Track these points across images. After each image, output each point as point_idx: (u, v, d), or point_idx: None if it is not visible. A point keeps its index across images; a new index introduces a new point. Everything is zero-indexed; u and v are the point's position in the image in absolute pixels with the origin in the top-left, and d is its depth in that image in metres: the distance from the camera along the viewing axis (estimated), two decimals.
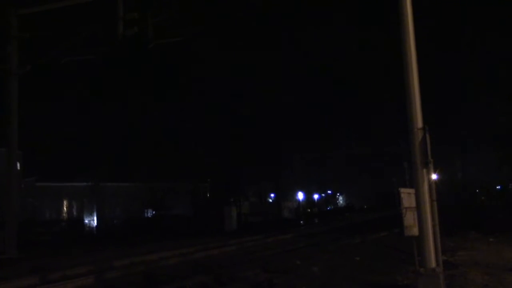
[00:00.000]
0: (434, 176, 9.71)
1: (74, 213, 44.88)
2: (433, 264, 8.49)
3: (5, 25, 19.24)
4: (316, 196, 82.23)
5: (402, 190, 10.32)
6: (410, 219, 10.27)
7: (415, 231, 9.77)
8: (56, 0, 19.12)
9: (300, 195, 68.46)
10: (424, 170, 8.72)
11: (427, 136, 8.76)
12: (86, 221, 41.90)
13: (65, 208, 45.11)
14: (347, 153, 66.08)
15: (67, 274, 14.10)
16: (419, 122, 8.82)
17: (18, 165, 23.49)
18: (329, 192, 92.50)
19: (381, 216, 49.57)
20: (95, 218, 43.39)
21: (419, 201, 8.76)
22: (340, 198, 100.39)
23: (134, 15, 16.59)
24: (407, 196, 10.26)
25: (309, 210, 70.38)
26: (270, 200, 67.23)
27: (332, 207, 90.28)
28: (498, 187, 63.32)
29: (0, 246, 18.16)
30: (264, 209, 57.52)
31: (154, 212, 44.15)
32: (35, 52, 19.91)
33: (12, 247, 17.97)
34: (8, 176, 19.25)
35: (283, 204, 62.93)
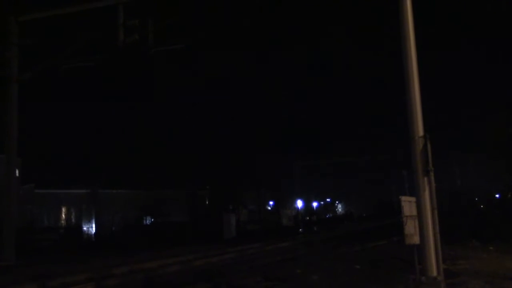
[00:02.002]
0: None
1: (73, 220, 44.69)
2: (434, 272, 8.45)
3: (6, 32, 19.24)
4: (315, 204, 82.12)
5: (403, 198, 10.31)
6: (411, 227, 10.24)
7: (416, 240, 9.75)
8: (57, 7, 19.14)
9: (299, 203, 68.35)
10: (425, 178, 8.70)
11: (428, 144, 8.75)
12: (85, 228, 41.78)
13: (63, 215, 44.94)
14: (346, 161, 65.98)
15: (66, 281, 14.03)
16: (420, 130, 8.80)
17: (17, 171, 23.44)
18: (328, 200, 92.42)
19: (380, 224, 49.48)
20: (93, 225, 43.26)
21: (420, 209, 8.72)
22: (339, 206, 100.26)
23: (135, 22, 16.63)
24: (408, 205, 10.25)
25: (308, 218, 70.23)
26: (269, 208, 67.10)
27: (331, 215, 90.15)
28: (497, 195, 63.21)
29: None
30: (263, 217, 57.40)
31: (152, 219, 44.04)
32: (35, 59, 19.92)
33: (11, 254, 17.88)
34: (7, 183, 19.18)
35: (282, 211, 62.82)
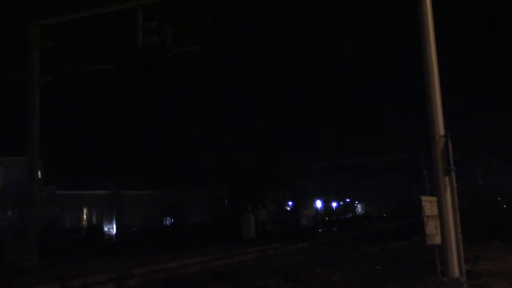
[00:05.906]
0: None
1: (94, 220, 45.16)
2: (456, 273, 8.35)
3: (27, 36, 19.53)
4: (334, 204, 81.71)
5: (424, 198, 10.19)
6: (432, 227, 10.12)
7: (437, 240, 9.63)
8: (77, 10, 19.36)
9: (319, 203, 68.07)
10: (447, 178, 8.60)
11: (449, 143, 8.65)
12: (106, 228, 42.14)
13: (85, 216, 45.43)
14: (365, 160, 65.57)
15: (88, 281, 14.20)
16: (441, 129, 8.72)
17: (40, 173, 23.76)
18: (347, 200, 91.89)
19: (401, 225, 49.06)
20: (114, 226, 43.64)
21: (441, 209, 8.63)
22: (359, 206, 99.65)
23: (154, 24, 16.74)
24: (428, 204, 10.13)
25: (327, 219, 69.93)
26: (288, 208, 66.91)
27: (351, 215, 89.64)
28: None
29: (21, 254, 18.35)
30: (282, 217, 57.28)
31: (172, 220, 44.28)
32: (56, 62, 20.16)
33: (33, 254, 18.12)
34: (30, 184, 19.46)
35: (301, 212, 62.62)
